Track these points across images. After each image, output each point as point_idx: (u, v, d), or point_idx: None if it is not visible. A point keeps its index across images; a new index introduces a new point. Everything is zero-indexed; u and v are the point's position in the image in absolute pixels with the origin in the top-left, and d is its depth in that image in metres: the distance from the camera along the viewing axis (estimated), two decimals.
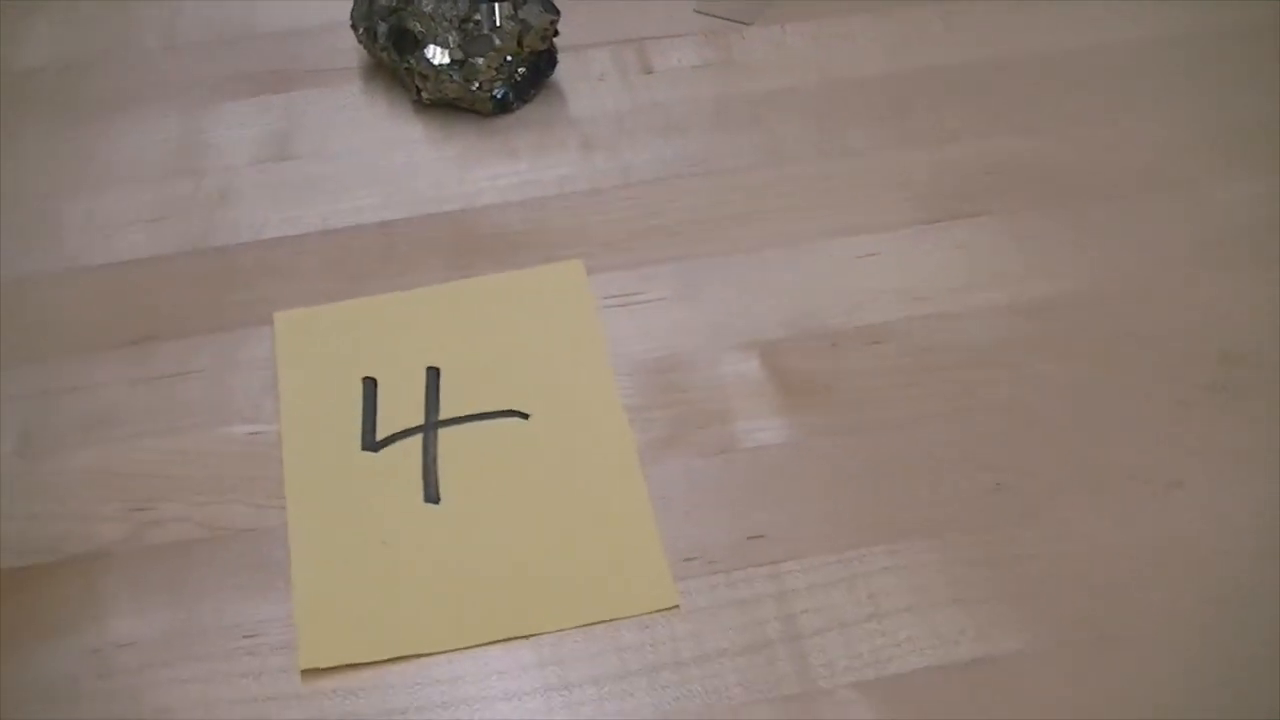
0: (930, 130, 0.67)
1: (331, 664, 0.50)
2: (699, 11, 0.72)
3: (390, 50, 0.67)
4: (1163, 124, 0.68)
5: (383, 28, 0.66)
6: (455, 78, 0.66)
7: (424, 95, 0.67)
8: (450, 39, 0.65)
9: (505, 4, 0.65)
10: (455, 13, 0.65)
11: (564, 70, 0.70)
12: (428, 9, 0.65)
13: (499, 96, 0.67)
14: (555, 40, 0.68)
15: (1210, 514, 0.54)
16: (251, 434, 0.57)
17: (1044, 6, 0.74)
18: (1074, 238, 0.63)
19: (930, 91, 0.69)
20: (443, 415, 0.57)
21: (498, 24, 0.65)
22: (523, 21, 0.66)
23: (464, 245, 0.63)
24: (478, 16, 0.65)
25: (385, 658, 0.50)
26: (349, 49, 0.71)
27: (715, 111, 0.68)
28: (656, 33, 0.72)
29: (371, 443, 0.56)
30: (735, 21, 0.71)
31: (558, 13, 0.66)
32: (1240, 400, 0.57)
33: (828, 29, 0.72)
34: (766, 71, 0.70)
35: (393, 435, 0.56)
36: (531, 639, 0.51)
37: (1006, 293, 0.61)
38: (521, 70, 0.67)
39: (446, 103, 0.68)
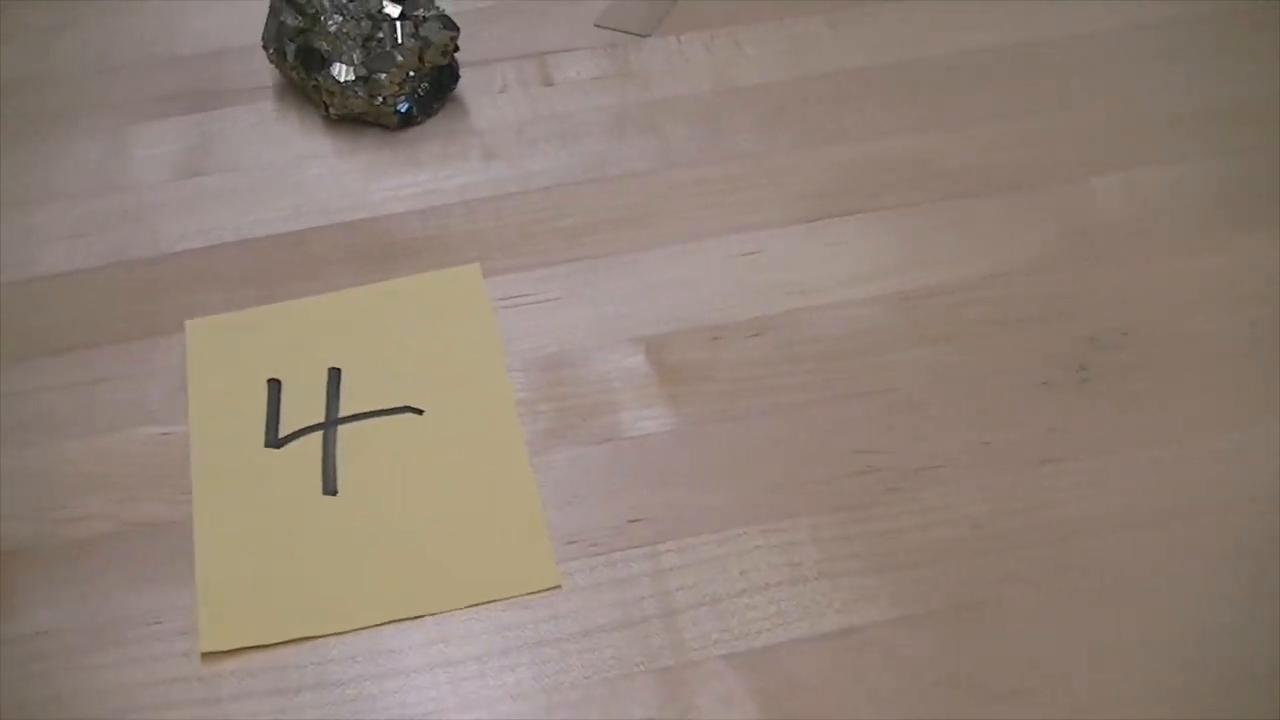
0: (814, 132, 0.70)
1: (230, 647, 0.53)
2: (599, 25, 0.75)
3: (299, 69, 0.70)
4: (1043, 121, 0.71)
5: (291, 48, 0.70)
6: (360, 93, 0.69)
7: (332, 111, 0.70)
8: (354, 57, 0.69)
9: (406, 22, 0.69)
10: (359, 32, 0.68)
11: (468, 84, 0.73)
12: (333, 29, 0.69)
13: (403, 110, 0.70)
14: (457, 56, 0.72)
15: (1072, 489, 0.57)
16: (163, 435, 0.60)
17: (927, 12, 0.77)
18: (948, 231, 0.66)
19: (816, 96, 0.72)
20: (342, 413, 0.60)
21: (399, 41, 0.68)
22: (423, 39, 0.69)
23: (370, 252, 0.66)
24: (380, 34, 0.68)
25: (282, 640, 0.53)
26: (263, 69, 0.74)
27: (611, 120, 0.72)
28: (558, 46, 0.75)
29: (274, 440, 0.59)
30: (633, 34, 0.75)
31: (457, 29, 0.70)
32: (1104, 382, 0.60)
33: (721, 38, 0.75)
34: (662, 81, 0.73)
35: (294, 432, 0.59)
36: (421, 620, 0.54)
37: (882, 284, 0.64)
38: (424, 85, 0.70)
39: (354, 117, 0.71)
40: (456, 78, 0.72)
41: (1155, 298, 0.63)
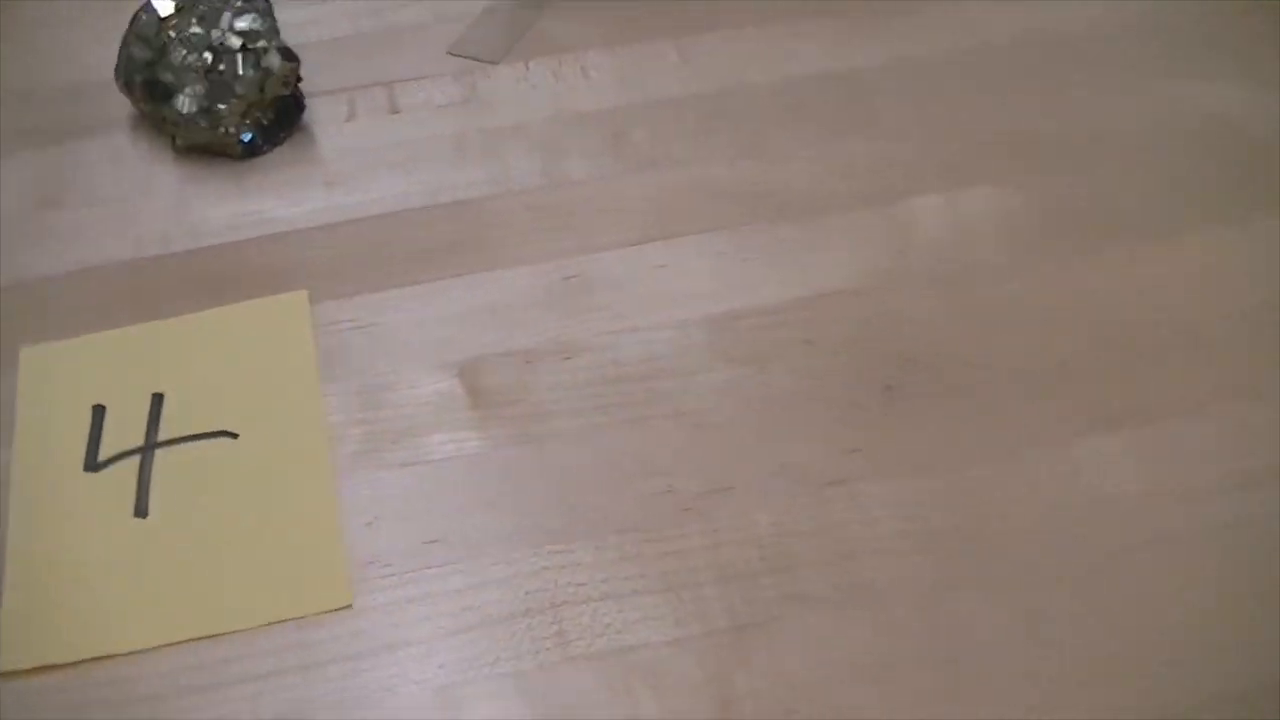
0: (648, 158, 0.72)
1: (26, 666, 0.55)
2: (452, 53, 0.77)
3: (146, 101, 0.72)
4: (869, 146, 0.72)
5: (139, 80, 0.72)
6: (203, 124, 0.71)
7: (179, 142, 0.72)
8: (197, 89, 0.70)
9: (248, 54, 0.70)
10: (201, 64, 0.70)
11: (316, 113, 0.75)
12: (177, 61, 0.71)
13: (246, 140, 0.72)
14: (304, 85, 0.73)
15: (862, 511, 0.58)
16: None
17: (774, 40, 0.78)
18: (770, 255, 0.67)
19: (654, 121, 0.74)
20: (161, 437, 0.62)
21: (239, 73, 0.70)
22: (264, 70, 0.71)
23: (207, 280, 0.68)
24: (222, 67, 0.70)
25: (78, 659, 0.55)
26: (119, 101, 0.76)
27: (453, 147, 0.73)
28: (409, 75, 0.77)
29: (93, 464, 0.61)
30: (483, 61, 0.76)
31: (298, 60, 0.71)
32: (910, 404, 0.61)
33: (568, 65, 0.77)
34: (506, 107, 0.75)
35: (112, 456, 0.61)
36: (218, 638, 0.55)
37: (697, 308, 0.65)
38: (268, 115, 0.72)
39: (200, 148, 0.73)
40: (302, 107, 0.74)
41: (968, 320, 0.64)
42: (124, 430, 0.62)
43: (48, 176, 0.73)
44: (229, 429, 0.62)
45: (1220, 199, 0.70)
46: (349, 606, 0.56)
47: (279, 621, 0.56)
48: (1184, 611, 0.54)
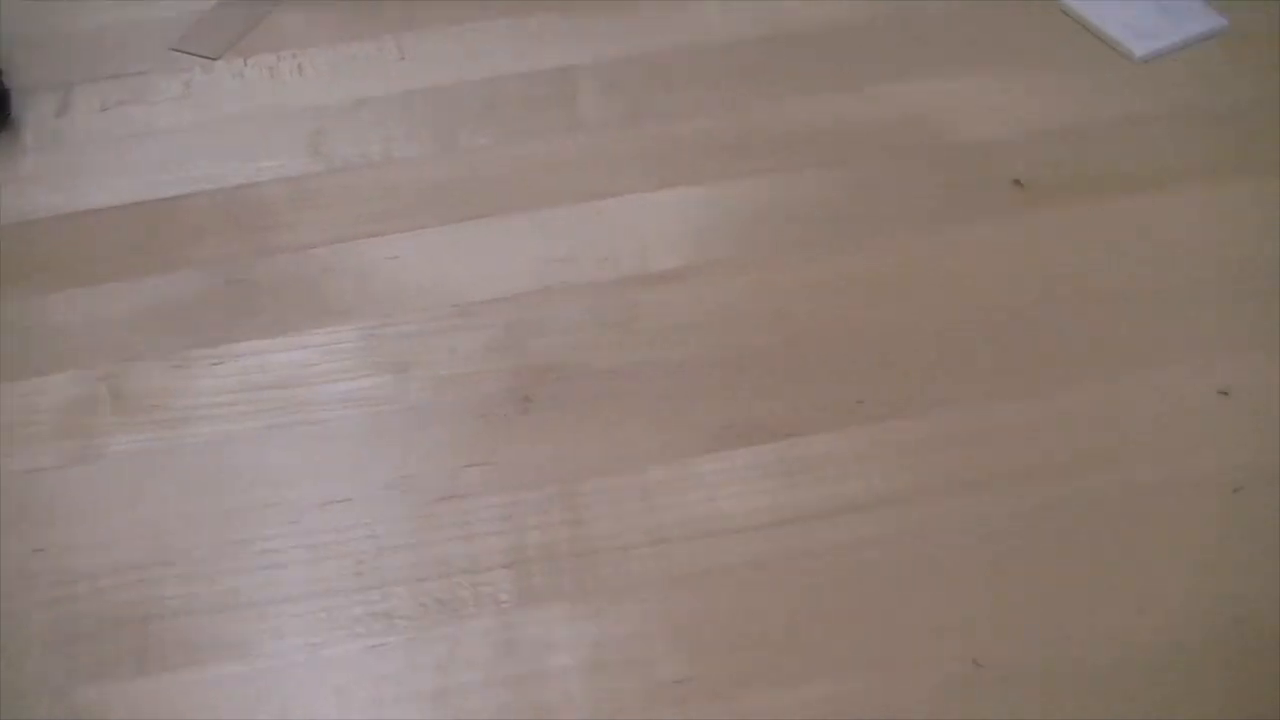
0: (342, 157, 0.71)
1: None
2: (174, 50, 0.77)
3: None
4: (576, 143, 0.71)
5: None
6: None
7: None
8: None
9: None
10: None
11: (26, 109, 0.75)
12: None
13: None
14: (13, 80, 0.74)
15: (467, 526, 0.57)
16: None
17: (493, 34, 0.77)
18: (441, 259, 0.66)
19: (358, 119, 0.73)
20: None
21: None
22: None
23: None
24: None
25: None
26: None
27: (155, 145, 0.73)
28: (127, 71, 0.77)
29: None
30: (204, 57, 0.76)
31: None
32: (544, 415, 0.60)
33: (286, 62, 0.76)
34: (216, 105, 0.75)
35: None
36: None
37: (355, 314, 0.65)
38: None
39: None
40: (7, 103, 0.74)
41: (625, 328, 0.63)
42: None
43: None
44: None
45: (918, 202, 0.67)
46: None
47: None
48: (761, 634, 0.53)
